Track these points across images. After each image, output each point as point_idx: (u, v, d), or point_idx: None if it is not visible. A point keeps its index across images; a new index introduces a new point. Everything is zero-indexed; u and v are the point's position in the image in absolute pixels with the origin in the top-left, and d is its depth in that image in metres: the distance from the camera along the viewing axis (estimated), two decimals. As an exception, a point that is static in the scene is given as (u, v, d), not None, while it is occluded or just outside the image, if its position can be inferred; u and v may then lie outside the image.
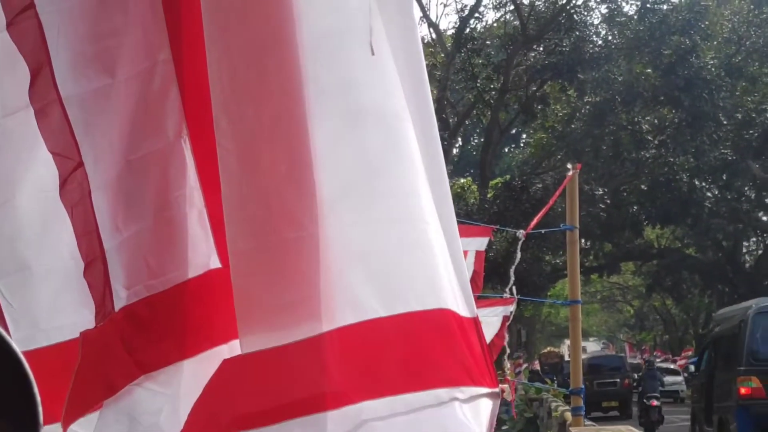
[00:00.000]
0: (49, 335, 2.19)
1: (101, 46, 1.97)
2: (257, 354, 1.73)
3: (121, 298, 1.91)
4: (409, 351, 1.75)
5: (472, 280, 8.53)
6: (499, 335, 8.42)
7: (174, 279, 1.92)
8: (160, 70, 1.95)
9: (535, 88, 28.71)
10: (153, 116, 1.96)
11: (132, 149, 1.94)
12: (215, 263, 1.96)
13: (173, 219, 1.95)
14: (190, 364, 1.90)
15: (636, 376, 26.06)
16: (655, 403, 20.58)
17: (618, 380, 26.09)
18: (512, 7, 28.36)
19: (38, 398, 0.96)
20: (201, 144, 1.93)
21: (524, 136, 37.62)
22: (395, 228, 1.79)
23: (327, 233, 1.74)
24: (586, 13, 28.91)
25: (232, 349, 1.87)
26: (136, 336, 1.91)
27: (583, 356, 6.30)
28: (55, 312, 2.22)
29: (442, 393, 1.74)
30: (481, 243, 8.86)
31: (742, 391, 12.43)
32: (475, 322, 1.89)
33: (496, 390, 1.85)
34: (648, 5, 29.08)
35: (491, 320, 8.06)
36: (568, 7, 27.84)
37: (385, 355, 1.73)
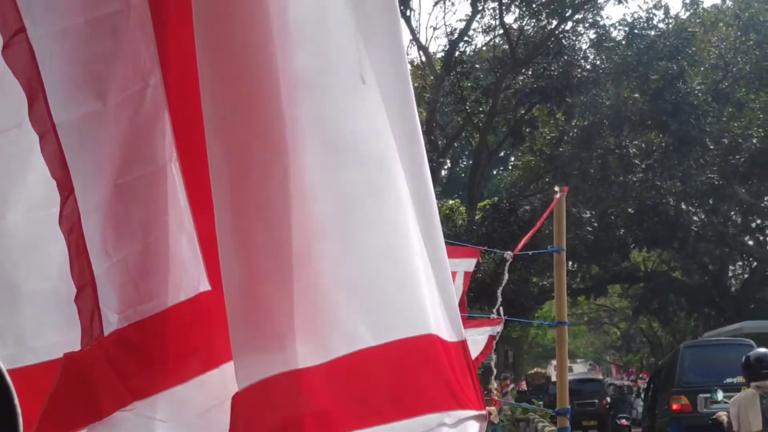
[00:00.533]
0: (36, 354, 2.17)
1: (92, 70, 1.95)
2: (250, 388, 1.71)
3: (111, 323, 1.90)
4: (397, 379, 1.76)
5: (460, 302, 8.53)
6: (483, 353, 8.44)
7: (164, 303, 1.92)
8: (150, 93, 1.94)
9: (523, 112, 28.83)
10: (142, 140, 1.95)
11: (121, 173, 1.94)
12: (204, 286, 1.96)
13: (163, 243, 1.94)
14: (183, 389, 1.89)
15: (608, 399, 28.26)
16: (625, 422, 24.00)
17: (596, 401, 27.65)
18: (501, 31, 28.54)
19: (19, 411, 0.96)
20: (193, 166, 1.93)
21: (512, 158, 37.74)
22: (382, 256, 1.79)
23: (317, 261, 1.74)
24: (574, 38, 29.10)
25: (223, 372, 1.87)
26: (127, 361, 1.89)
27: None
28: (43, 331, 2.20)
29: (431, 419, 1.75)
30: (469, 264, 8.87)
31: (674, 406, 15.72)
32: (463, 345, 1.90)
33: (483, 412, 1.86)
34: (636, 31, 29.32)
35: (477, 338, 8.08)
36: (556, 32, 28.04)
37: (373, 384, 1.74)
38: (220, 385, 1.88)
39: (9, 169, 2.22)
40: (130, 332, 1.90)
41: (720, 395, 9.62)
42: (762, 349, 7.95)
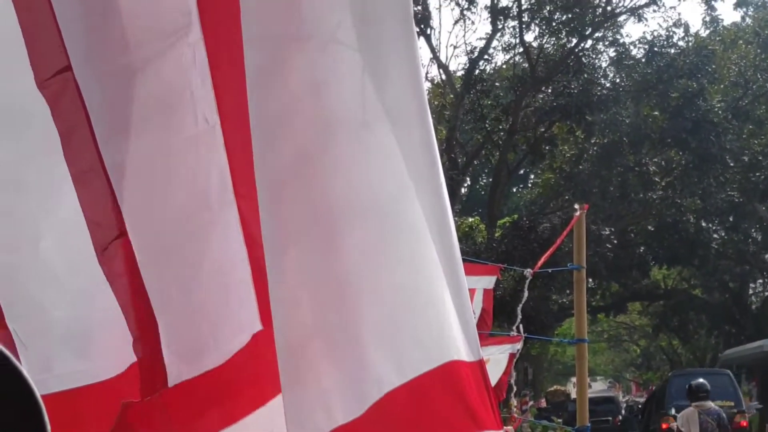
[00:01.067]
0: (61, 381, 2.11)
1: (147, 111, 1.94)
2: None
3: (177, 374, 1.92)
4: (420, 412, 1.80)
5: (482, 319, 8.55)
6: (506, 372, 8.43)
7: (229, 351, 1.95)
8: (209, 136, 1.95)
9: (543, 130, 28.78)
10: (201, 184, 1.95)
11: (182, 220, 1.94)
12: (257, 326, 1.98)
13: (225, 290, 1.95)
14: (232, 430, 1.93)
15: (620, 417, 29.60)
16: None
17: (610, 418, 28.72)
18: (521, 50, 28.55)
19: (48, 427, 0.96)
20: (250, 207, 1.92)
21: (532, 176, 37.63)
22: (404, 293, 1.82)
23: (350, 311, 1.77)
24: (594, 56, 29.03)
25: (270, 410, 1.90)
26: (186, 409, 1.92)
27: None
28: (67, 358, 2.15)
29: None
30: (489, 282, 8.91)
31: (664, 426, 17.87)
32: (480, 364, 1.92)
33: (500, 432, 1.90)
34: (655, 49, 29.22)
35: (499, 358, 8.08)
36: (576, 50, 28.01)
37: (398, 422, 1.79)
38: (267, 421, 1.93)
39: (38, 198, 2.15)
40: (196, 382, 1.91)
41: (673, 411, 12.39)
42: (701, 380, 11.35)
